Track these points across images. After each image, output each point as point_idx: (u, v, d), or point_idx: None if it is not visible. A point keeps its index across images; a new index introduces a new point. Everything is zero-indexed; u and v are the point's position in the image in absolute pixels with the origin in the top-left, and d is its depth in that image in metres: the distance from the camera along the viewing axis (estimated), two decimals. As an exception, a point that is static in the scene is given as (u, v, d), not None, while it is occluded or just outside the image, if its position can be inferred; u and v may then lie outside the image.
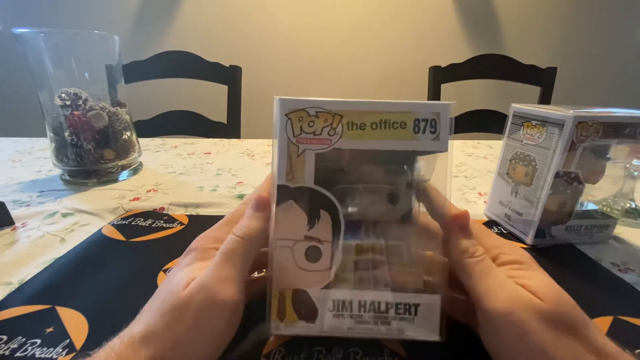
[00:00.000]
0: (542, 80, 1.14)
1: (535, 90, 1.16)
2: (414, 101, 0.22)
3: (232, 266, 0.21)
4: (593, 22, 1.67)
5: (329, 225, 0.23)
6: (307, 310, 0.22)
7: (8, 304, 0.29)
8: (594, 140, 0.35)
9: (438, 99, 1.16)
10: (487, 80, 1.18)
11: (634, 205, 0.46)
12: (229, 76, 1.08)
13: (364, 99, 0.22)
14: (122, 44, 0.61)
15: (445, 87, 1.15)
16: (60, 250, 0.38)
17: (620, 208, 0.47)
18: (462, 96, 1.63)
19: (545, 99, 1.14)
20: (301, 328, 0.22)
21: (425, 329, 0.22)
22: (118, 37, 0.59)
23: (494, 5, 1.64)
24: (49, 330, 0.26)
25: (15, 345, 0.24)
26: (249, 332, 0.26)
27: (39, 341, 0.25)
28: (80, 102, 0.55)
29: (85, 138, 0.56)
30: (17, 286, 0.32)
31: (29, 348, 0.24)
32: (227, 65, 1.08)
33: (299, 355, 0.24)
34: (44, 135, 0.58)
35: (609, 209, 0.48)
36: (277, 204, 0.22)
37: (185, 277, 0.21)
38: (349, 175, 0.23)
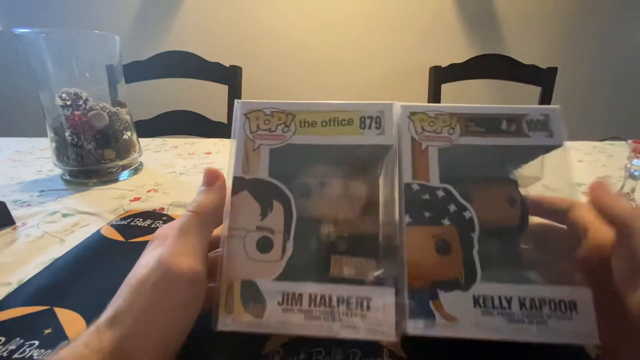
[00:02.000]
0: (542, 80, 1.14)
1: (535, 90, 1.16)
2: (360, 102, 0.24)
3: (187, 239, 0.22)
4: (593, 22, 1.67)
5: (281, 216, 0.23)
6: (255, 303, 0.22)
7: (6, 305, 0.29)
8: (453, 139, 0.24)
9: (438, 99, 1.16)
10: (487, 80, 1.18)
11: (634, 206, 0.46)
12: (229, 76, 1.08)
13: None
14: (123, 44, 0.61)
15: (445, 87, 1.15)
16: (60, 250, 0.38)
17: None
18: (462, 96, 1.63)
19: (545, 99, 1.14)
20: (248, 323, 0.22)
21: (377, 328, 0.21)
22: (119, 37, 0.59)
23: (494, 5, 1.64)
24: (47, 331, 0.26)
25: (14, 347, 0.24)
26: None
27: (37, 342, 0.25)
28: (81, 102, 0.54)
29: (86, 138, 0.56)
30: (15, 287, 0.32)
31: (27, 349, 0.24)
32: (228, 65, 1.08)
33: (298, 356, 0.24)
34: (45, 135, 0.58)
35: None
36: (233, 195, 0.24)
37: (144, 260, 0.22)
38: (308, 170, 0.25)
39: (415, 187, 0.23)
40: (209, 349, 0.25)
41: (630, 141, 0.43)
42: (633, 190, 0.46)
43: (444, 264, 0.22)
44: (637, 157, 0.43)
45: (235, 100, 0.24)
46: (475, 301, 0.21)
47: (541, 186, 0.25)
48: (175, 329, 0.21)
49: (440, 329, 0.21)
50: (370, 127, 0.24)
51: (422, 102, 0.25)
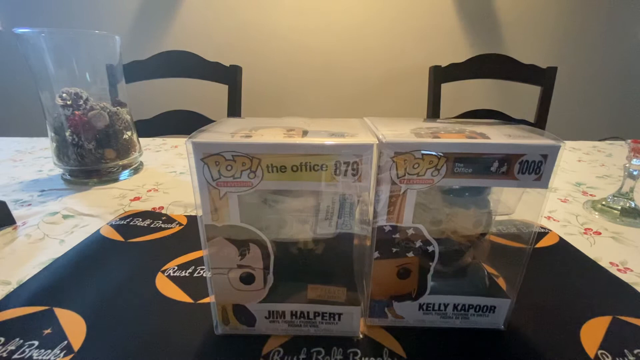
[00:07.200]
0: (542, 80, 1.14)
1: (535, 90, 1.16)
2: (334, 143, 0.21)
3: None
4: (593, 21, 1.67)
5: (259, 254, 0.24)
6: (246, 318, 0.26)
7: (6, 305, 0.29)
8: (435, 181, 0.22)
9: (438, 99, 1.16)
10: (487, 80, 1.18)
11: (633, 205, 0.46)
12: (229, 76, 1.08)
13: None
14: (123, 43, 0.61)
15: (445, 87, 1.15)
16: (59, 250, 0.38)
17: (619, 207, 0.46)
18: (462, 96, 1.63)
19: (545, 99, 1.14)
20: (243, 330, 0.26)
21: (347, 330, 0.26)
22: (119, 37, 0.59)
23: (494, 5, 1.64)
24: (46, 331, 0.26)
25: (13, 347, 0.25)
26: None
27: (36, 343, 0.25)
28: (81, 101, 0.55)
29: (86, 138, 0.56)
30: (15, 287, 0.32)
31: (27, 350, 0.24)
32: (228, 65, 1.08)
33: (298, 356, 0.24)
34: (45, 134, 0.58)
35: (608, 208, 0.47)
36: (208, 240, 0.24)
37: None
38: (282, 206, 0.25)
39: (387, 228, 0.24)
40: (210, 349, 0.25)
41: (629, 141, 0.43)
42: (632, 190, 0.46)
43: (402, 285, 0.26)
44: (636, 157, 0.43)
45: (187, 139, 0.21)
46: (420, 307, 0.26)
47: (507, 218, 0.27)
48: None
49: (389, 323, 0.27)
50: (345, 174, 0.21)
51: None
